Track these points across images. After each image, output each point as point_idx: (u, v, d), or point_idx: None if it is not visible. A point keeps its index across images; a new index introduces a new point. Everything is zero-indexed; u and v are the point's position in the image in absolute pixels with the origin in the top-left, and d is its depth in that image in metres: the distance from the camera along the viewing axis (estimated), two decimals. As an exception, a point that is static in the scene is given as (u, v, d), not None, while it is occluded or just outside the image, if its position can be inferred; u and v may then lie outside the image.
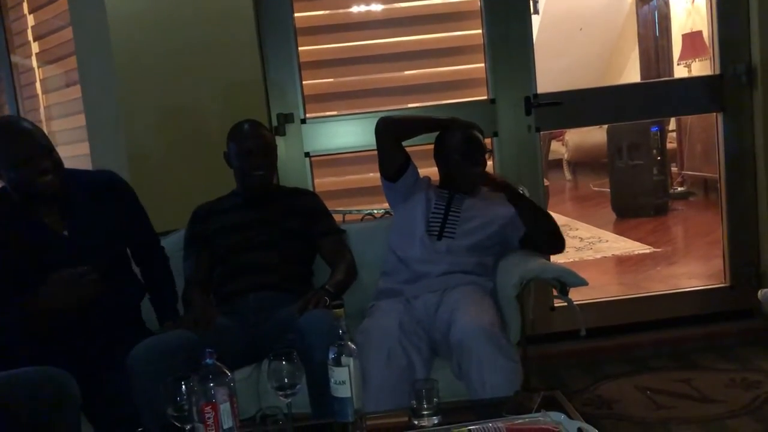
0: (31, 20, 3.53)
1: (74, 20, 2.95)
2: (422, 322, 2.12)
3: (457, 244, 2.27)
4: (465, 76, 3.10)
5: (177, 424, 1.46)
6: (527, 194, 2.45)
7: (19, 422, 1.58)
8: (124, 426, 1.84)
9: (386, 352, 1.96)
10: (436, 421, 1.53)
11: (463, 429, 1.44)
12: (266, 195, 2.34)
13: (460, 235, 2.28)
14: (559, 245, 2.35)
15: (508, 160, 3.00)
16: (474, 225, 2.31)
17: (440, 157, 2.43)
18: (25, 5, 3.51)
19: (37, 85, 3.60)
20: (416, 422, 1.55)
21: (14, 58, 3.72)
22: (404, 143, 2.41)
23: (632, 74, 7.92)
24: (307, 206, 2.40)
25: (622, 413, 2.47)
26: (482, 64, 3.02)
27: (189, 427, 1.44)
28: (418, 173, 2.44)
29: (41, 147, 1.89)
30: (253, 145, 2.27)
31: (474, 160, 2.34)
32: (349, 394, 1.53)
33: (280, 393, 1.56)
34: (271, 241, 2.26)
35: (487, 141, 2.90)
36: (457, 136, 2.36)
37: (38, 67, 3.58)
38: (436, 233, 2.29)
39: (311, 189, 2.96)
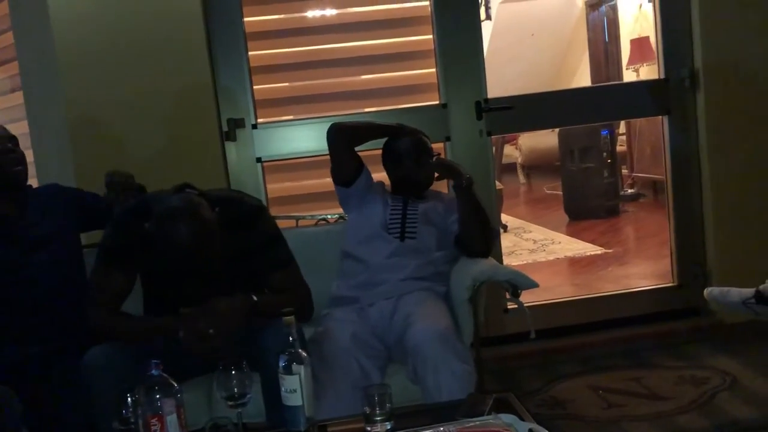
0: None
1: (15, 24, 2.87)
2: (376, 329, 2.12)
3: (423, 244, 2.28)
4: (417, 81, 3.12)
5: (122, 437, 1.42)
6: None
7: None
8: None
9: (339, 363, 1.95)
10: (389, 427, 1.52)
11: (415, 434, 1.43)
12: None
13: (422, 234, 2.29)
14: (488, 245, 2.32)
15: (461, 163, 3.01)
16: (433, 224, 2.32)
17: (390, 162, 2.46)
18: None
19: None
20: (369, 428, 1.53)
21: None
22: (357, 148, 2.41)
23: (583, 78, 8.07)
24: None
25: (576, 413, 2.51)
26: (434, 69, 3.04)
27: (133, 441, 1.40)
28: (371, 177, 2.44)
29: (10, 139, 2.08)
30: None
31: (423, 163, 2.37)
32: (300, 403, 1.51)
33: (230, 403, 1.53)
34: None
35: (440, 145, 2.93)
36: (406, 142, 2.40)
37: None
38: (398, 235, 2.30)
39: (263, 195, 2.93)
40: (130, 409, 1.42)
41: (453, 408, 1.61)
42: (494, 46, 7.19)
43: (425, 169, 2.38)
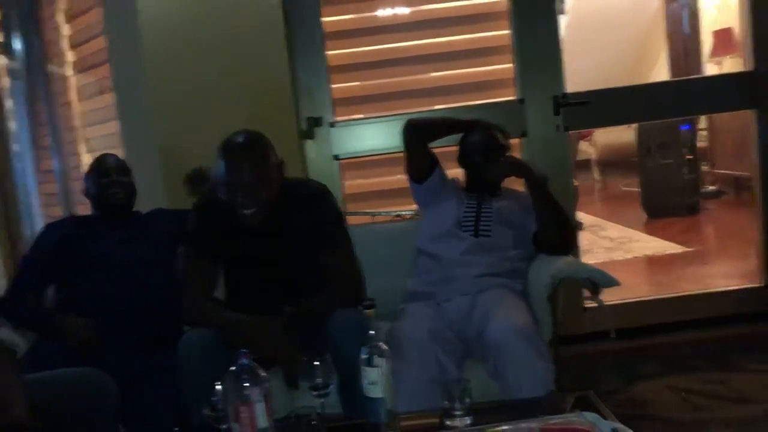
0: (66, 30, 3.60)
1: (108, 29, 3.01)
2: (453, 325, 2.13)
3: (498, 242, 2.27)
4: (493, 76, 3.10)
5: (213, 424, 1.48)
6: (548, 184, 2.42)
7: (60, 421, 1.61)
8: (158, 427, 1.89)
9: (416, 357, 1.97)
10: (468, 422, 1.53)
11: (497, 429, 1.43)
12: None
13: (497, 233, 2.29)
14: (568, 243, 2.31)
15: (537, 160, 2.97)
16: (508, 223, 2.31)
17: (460, 158, 2.45)
18: (61, 15, 3.59)
19: (72, 93, 3.68)
20: (448, 423, 1.55)
21: (50, 68, 3.81)
22: (431, 145, 2.42)
23: (662, 72, 7.82)
24: None
25: (657, 414, 2.45)
26: (510, 65, 3.02)
27: (225, 427, 1.46)
28: (445, 174, 2.45)
29: (118, 171, 2.38)
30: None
31: (491, 160, 2.34)
32: (381, 395, 1.53)
33: (314, 393, 1.58)
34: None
35: (515, 141, 2.90)
36: (475, 139, 2.39)
37: (73, 75, 3.66)
38: (472, 232, 2.30)
39: (340, 192, 2.98)
40: (220, 396, 1.48)
41: (533, 405, 1.61)
42: (569, 39, 7.04)
43: (494, 167, 2.34)
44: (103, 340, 2.11)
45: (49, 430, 1.54)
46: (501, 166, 2.34)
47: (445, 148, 2.51)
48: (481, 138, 2.38)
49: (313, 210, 2.08)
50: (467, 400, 1.55)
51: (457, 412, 1.55)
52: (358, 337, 1.62)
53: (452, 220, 2.34)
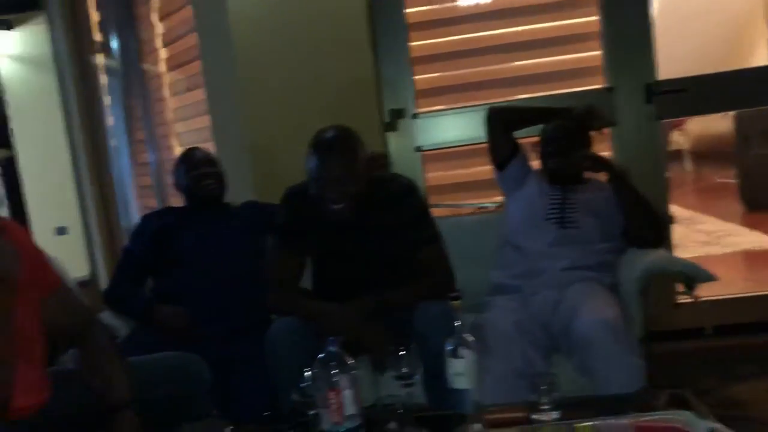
0: (160, 28, 3.75)
1: (198, 26, 3.12)
2: (540, 318, 2.09)
3: (585, 234, 2.21)
4: (579, 64, 3.02)
5: (302, 409, 1.51)
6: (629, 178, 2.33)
7: (155, 403, 1.68)
8: (250, 411, 1.95)
9: (502, 350, 1.95)
10: (555, 416, 1.50)
11: (586, 425, 1.40)
12: None
13: (584, 224, 2.23)
14: (657, 236, 2.22)
15: (627, 151, 2.89)
16: (595, 215, 2.25)
17: (538, 148, 2.39)
18: (155, 14, 3.74)
19: (165, 89, 3.83)
20: (535, 417, 1.52)
21: (145, 65, 3.98)
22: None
23: (762, 57, 7.40)
24: None
25: (758, 416, 2.33)
26: (598, 52, 2.93)
27: (313, 413, 1.49)
28: (528, 163, 2.41)
29: (207, 162, 2.49)
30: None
31: (561, 153, 2.27)
32: (467, 386, 1.53)
33: (400, 383, 1.58)
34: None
35: (605, 131, 2.81)
36: (550, 128, 2.33)
37: (166, 72, 3.80)
38: (557, 222, 2.25)
39: (423, 183, 2.98)
40: (309, 383, 1.51)
41: (623, 401, 1.57)
42: (662, 23, 6.77)
43: (565, 161, 2.28)
44: (196, 328, 2.20)
45: (145, 411, 1.62)
46: (579, 159, 2.27)
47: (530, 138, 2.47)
48: (554, 128, 2.32)
49: (401, 205, 2.07)
50: (555, 393, 1.52)
51: (545, 406, 1.52)
52: (443, 329, 1.62)
53: (536, 210, 2.30)
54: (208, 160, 2.49)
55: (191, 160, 2.48)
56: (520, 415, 1.56)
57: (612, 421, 1.41)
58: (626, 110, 2.88)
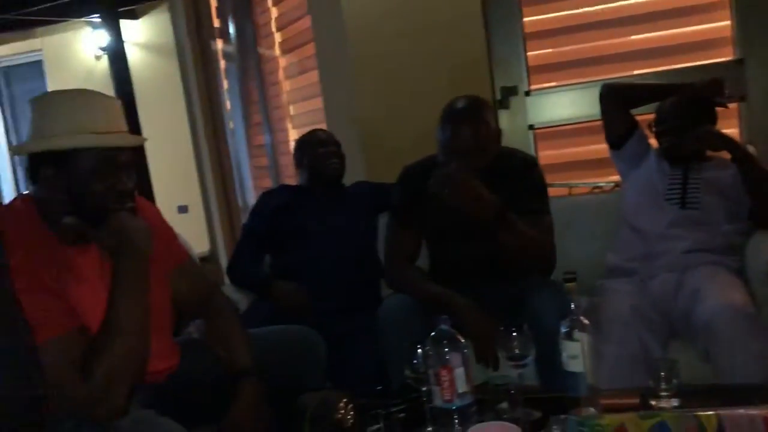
0: (274, 12, 3.87)
1: (312, 9, 3.19)
2: (658, 303, 2.01)
3: (708, 215, 2.11)
4: (704, 36, 2.84)
5: (414, 385, 1.54)
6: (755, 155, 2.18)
7: (274, 372, 1.76)
8: (362, 385, 2.00)
9: (617, 334, 1.89)
10: (675, 404, 1.45)
11: (710, 414, 1.34)
12: None
13: (707, 204, 2.12)
14: None
15: (757, 127, 2.70)
16: (720, 194, 2.13)
17: (654, 126, 2.27)
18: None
19: (280, 72, 3.95)
20: (653, 403, 1.48)
21: (260, 49, 4.12)
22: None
23: None
24: None
25: None
26: (726, 22, 2.74)
27: (425, 389, 1.51)
28: (646, 140, 2.30)
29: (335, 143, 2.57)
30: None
31: (676, 131, 2.15)
32: (581, 369, 1.50)
33: (511, 363, 1.58)
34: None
35: (733, 107, 2.64)
36: (666, 106, 2.22)
37: (280, 56, 3.92)
38: (678, 203, 2.15)
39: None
40: (421, 360, 1.53)
41: (751, 391, 1.48)
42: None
43: (686, 139, 2.15)
44: (312, 303, 2.28)
45: (263, 381, 1.70)
46: (690, 138, 2.14)
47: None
48: (669, 105, 2.20)
49: (523, 180, 2.04)
50: (674, 381, 1.47)
51: (664, 393, 1.47)
52: (557, 310, 1.59)
53: (655, 190, 2.20)
54: (333, 141, 2.55)
55: (316, 139, 2.55)
56: (636, 401, 1.52)
57: (741, 411, 1.33)
58: (757, 84, 2.69)
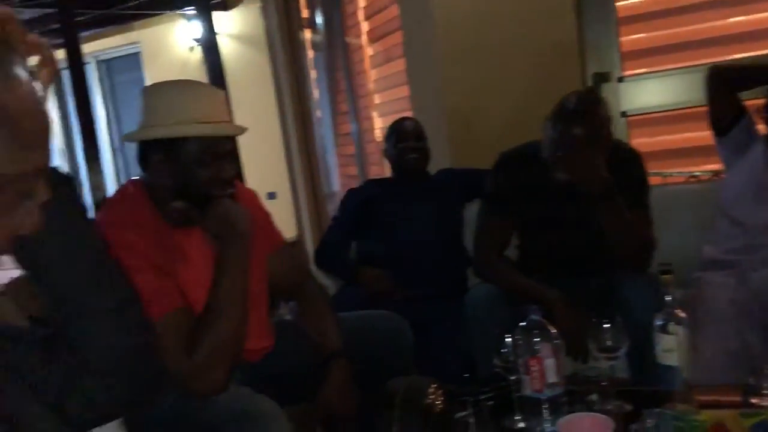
0: (362, 2, 3.90)
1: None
2: (760, 297, 1.92)
3: None
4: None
5: (503, 374, 1.54)
6: None
7: (362, 356, 1.80)
8: (447, 372, 2.02)
9: (714, 329, 1.83)
10: (778, 402, 1.39)
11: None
12: None
13: None
14: None
15: None
16: None
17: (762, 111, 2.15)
18: (357, -12, 3.90)
19: (367, 61, 3.99)
20: (754, 401, 1.42)
21: (347, 38, 4.17)
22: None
23: None
24: None
25: None
26: None
27: (514, 378, 1.51)
28: (754, 127, 2.19)
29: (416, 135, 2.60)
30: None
31: None
32: (676, 363, 1.46)
33: (603, 355, 1.55)
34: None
35: None
36: None
37: (367, 45, 3.96)
38: None
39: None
40: (509, 349, 1.53)
41: None
42: None
43: None
44: (398, 290, 2.32)
45: (353, 363, 1.74)
46: None
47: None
48: None
49: (626, 172, 1.98)
50: (777, 378, 1.41)
51: (766, 390, 1.41)
52: (651, 302, 1.56)
53: (761, 181, 2.09)
54: (416, 133, 2.58)
55: (401, 132, 2.58)
56: (736, 398, 1.47)
57: None
58: None
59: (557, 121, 1.93)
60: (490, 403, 1.54)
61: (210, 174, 1.50)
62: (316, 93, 4.78)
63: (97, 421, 0.89)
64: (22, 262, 0.82)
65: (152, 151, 1.51)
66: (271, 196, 5.46)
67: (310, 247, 4.94)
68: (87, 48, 5.80)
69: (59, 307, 0.84)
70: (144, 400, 0.90)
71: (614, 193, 1.88)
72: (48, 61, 0.76)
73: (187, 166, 1.48)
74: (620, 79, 2.85)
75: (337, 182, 4.80)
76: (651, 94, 2.84)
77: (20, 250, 0.80)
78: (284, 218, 5.14)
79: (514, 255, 2.19)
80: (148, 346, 0.90)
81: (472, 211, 2.45)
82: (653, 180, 2.57)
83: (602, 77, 2.84)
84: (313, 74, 4.76)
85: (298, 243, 5.11)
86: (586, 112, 1.91)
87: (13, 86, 0.65)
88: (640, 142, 2.91)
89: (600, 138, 1.89)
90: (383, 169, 3.99)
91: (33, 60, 0.75)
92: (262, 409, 1.40)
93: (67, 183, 0.84)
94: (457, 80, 2.89)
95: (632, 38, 2.89)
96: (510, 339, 1.53)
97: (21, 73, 0.67)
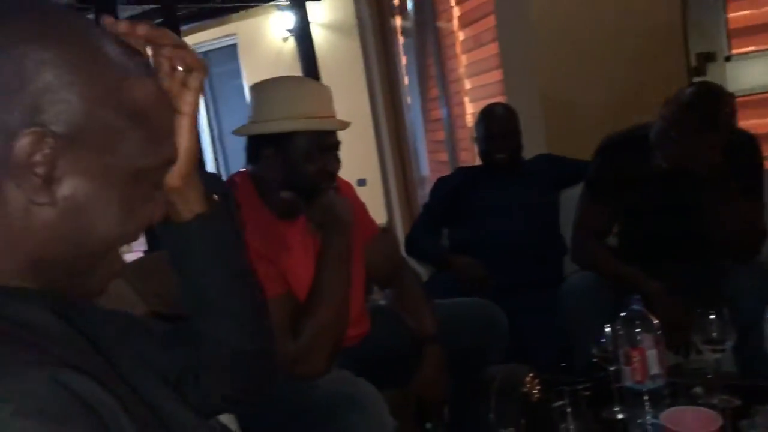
0: (453, -14, 3.87)
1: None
2: None
3: None
4: None
5: (602, 364, 1.52)
6: None
7: (456, 345, 1.81)
8: (541, 361, 2.00)
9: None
10: None
11: None
12: None
13: None
14: None
15: None
16: None
17: None
18: (448, -27, 3.87)
19: (458, 46, 3.96)
20: None
21: (438, 23, 4.15)
22: None
23: None
24: None
25: None
26: None
27: (614, 369, 1.48)
28: None
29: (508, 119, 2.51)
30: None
31: None
32: (787, 357, 1.40)
33: (708, 348, 1.50)
34: None
35: None
36: None
37: (458, 29, 3.93)
38: None
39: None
40: (608, 339, 1.50)
41: None
42: None
43: None
44: (490, 278, 2.30)
45: (447, 349, 1.76)
46: None
47: None
48: None
49: (741, 157, 1.89)
50: None
51: None
52: (762, 293, 1.49)
53: None
54: (507, 119, 2.50)
55: (489, 121, 2.51)
56: None
57: None
58: None
59: (679, 104, 1.83)
60: (588, 393, 1.52)
61: (317, 167, 1.55)
62: (406, 79, 4.79)
63: (209, 414, 0.94)
64: (170, 251, 0.87)
65: (262, 145, 1.57)
66: (362, 182, 5.53)
67: (400, 233, 4.98)
68: (186, 41, 6.02)
69: (196, 302, 0.88)
70: (255, 399, 0.95)
71: (728, 178, 1.80)
72: (197, 66, 0.81)
73: (295, 160, 1.54)
74: (727, 59, 2.70)
75: (427, 168, 4.81)
76: (760, 73, 2.68)
77: (171, 241, 0.84)
78: (374, 205, 5.20)
79: (614, 243, 2.14)
80: (269, 352, 0.94)
81: (568, 196, 2.42)
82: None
83: (708, 57, 2.71)
84: (403, 60, 4.77)
85: (388, 229, 5.17)
86: (711, 95, 1.81)
87: (145, 84, 0.69)
88: (749, 124, 2.76)
89: (723, 123, 1.79)
90: (473, 155, 3.97)
91: (180, 66, 0.80)
92: (364, 392, 1.44)
93: (221, 184, 0.89)
94: (552, 63, 2.83)
95: (740, 15, 2.74)
96: (609, 329, 1.50)
97: (150, 72, 0.72)
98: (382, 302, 2.08)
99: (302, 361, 1.45)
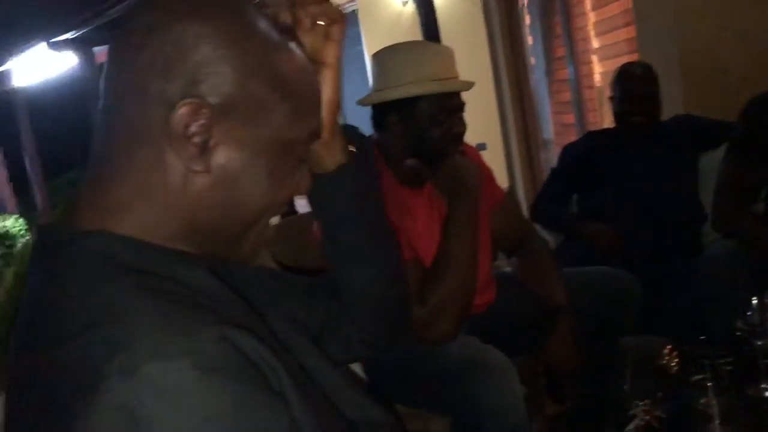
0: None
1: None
2: None
3: None
4: None
5: (747, 337, 1.43)
6: None
7: (587, 314, 1.76)
8: (681, 334, 1.91)
9: None
10: None
11: None
12: None
13: None
14: None
15: None
16: None
17: None
18: None
19: (587, 3, 3.78)
20: None
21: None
22: None
23: None
24: None
25: None
26: None
27: (760, 343, 1.40)
28: None
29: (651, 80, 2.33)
30: None
31: None
32: None
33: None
34: None
35: None
36: None
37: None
38: None
39: None
40: (755, 312, 1.42)
41: None
42: None
43: None
44: (624, 246, 2.20)
45: (578, 321, 1.71)
46: None
47: None
48: None
49: None
50: None
51: None
52: None
53: None
54: (647, 82, 2.33)
55: (629, 79, 2.35)
56: None
57: None
58: None
59: None
60: (730, 368, 1.45)
61: (443, 131, 1.54)
62: (529, 39, 4.64)
63: (350, 361, 0.98)
64: (316, 203, 0.89)
65: (387, 113, 1.58)
66: (481, 146, 5.44)
67: (522, 198, 4.89)
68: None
69: (340, 252, 0.90)
70: (397, 343, 0.98)
71: None
72: (339, 18, 0.82)
73: (421, 124, 1.54)
74: None
75: (551, 131, 4.67)
76: None
77: (316, 192, 0.85)
78: (496, 169, 5.11)
79: (761, 210, 1.99)
80: (404, 295, 0.96)
81: (709, 159, 2.27)
82: None
83: None
84: (527, 20, 4.62)
85: (510, 194, 5.08)
86: None
87: (294, 58, 0.71)
88: None
89: None
90: (601, 116, 3.80)
91: (323, 21, 0.80)
92: (494, 359, 1.44)
93: (364, 141, 0.90)
94: (692, 17, 2.65)
95: None
96: (756, 301, 1.41)
97: (297, 46, 0.74)
98: (508, 269, 2.06)
99: (430, 325, 1.47)
